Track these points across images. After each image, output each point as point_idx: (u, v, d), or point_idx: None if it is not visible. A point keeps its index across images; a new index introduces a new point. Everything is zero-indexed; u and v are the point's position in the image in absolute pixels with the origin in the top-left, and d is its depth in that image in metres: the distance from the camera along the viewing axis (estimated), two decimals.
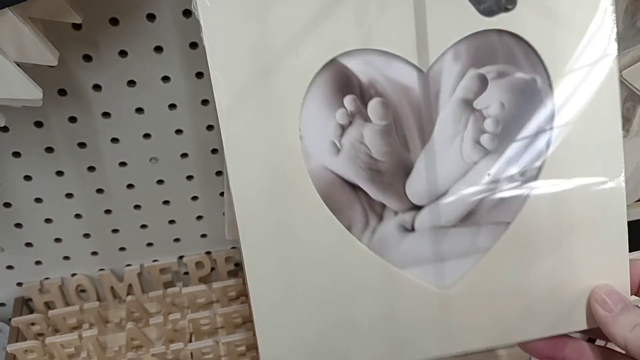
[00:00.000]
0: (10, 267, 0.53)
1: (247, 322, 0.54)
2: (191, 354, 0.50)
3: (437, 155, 0.31)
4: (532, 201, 0.31)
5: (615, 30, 0.30)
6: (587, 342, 0.34)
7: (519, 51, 0.30)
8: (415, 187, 0.31)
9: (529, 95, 0.31)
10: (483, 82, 0.31)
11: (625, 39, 0.34)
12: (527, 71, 0.30)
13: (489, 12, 0.21)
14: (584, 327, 0.33)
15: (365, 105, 0.30)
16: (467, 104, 0.31)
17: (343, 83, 0.30)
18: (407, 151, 0.31)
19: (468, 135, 0.31)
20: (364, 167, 0.31)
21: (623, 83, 0.35)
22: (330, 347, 0.32)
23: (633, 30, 0.34)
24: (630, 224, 0.48)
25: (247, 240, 0.30)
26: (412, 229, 0.32)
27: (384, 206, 0.31)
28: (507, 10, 0.20)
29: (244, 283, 0.56)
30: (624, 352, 0.31)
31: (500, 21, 0.29)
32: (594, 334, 0.34)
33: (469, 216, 0.32)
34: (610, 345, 0.33)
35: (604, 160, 0.32)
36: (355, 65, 0.30)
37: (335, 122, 0.30)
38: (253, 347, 0.51)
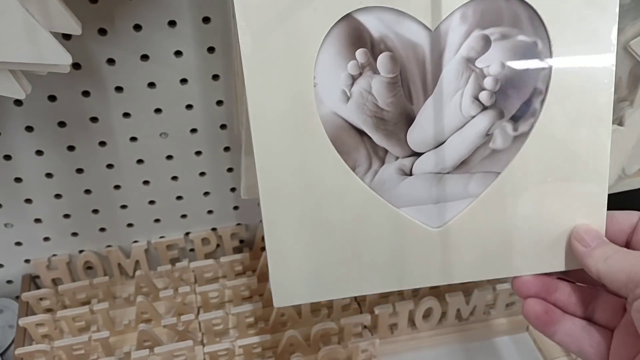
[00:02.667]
0: (18, 244, 0.54)
1: (255, 295, 0.55)
2: (200, 324, 0.52)
3: (438, 108, 0.34)
4: (521, 155, 0.34)
5: (618, 2, 0.32)
6: (576, 284, 0.36)
7: (523, 15, 0.32)
8: (416, 136, 0.34)
9: (529, 57, 0.33)
10: (486, 42, 0.33)
11: (633, 10, 0.35)
12: (530, 34, 0.33)
13: None
14: (563, 268, 0.36)
15: (375, 58, 0.33)
16: (470, 62, 0.33)
17: (356, 37, 0.32)
18: (411, 102, 0.33)
19: (468, 91, 0.33)
20: (370, 114, 0.33)
21: (629, 53, 0.37)
22: (333, 274, 0.35)
23: None
24: (630, 193, 0.50)
25: (263, 177, 0.33)
26: (410, 173, 0.35)
27: (386, 151, 0.34)
28: None
29: (251, 258, 0.58)
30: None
31: None
32: (584, 280, 0.36)
33: (463, 165, 0.35)
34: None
35: (593, 121, 0.34)
36: (368, 20, 0.32)
37: (347, 72, 0.33)
38: (261, 318, 0.53)
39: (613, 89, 0.34)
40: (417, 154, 0.34)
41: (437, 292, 0.54)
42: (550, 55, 0.33)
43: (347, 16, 0.32)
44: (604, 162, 0.35)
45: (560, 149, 0.34)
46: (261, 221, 0.57)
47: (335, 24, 0.32)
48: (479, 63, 0.33)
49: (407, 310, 0.52)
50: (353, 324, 0.50)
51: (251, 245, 0.60)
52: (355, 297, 0.54)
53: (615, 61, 0.34)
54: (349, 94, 0.33)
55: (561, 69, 0.33)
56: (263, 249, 0.58)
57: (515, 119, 0.34)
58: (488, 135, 0.34)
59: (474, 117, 0.34)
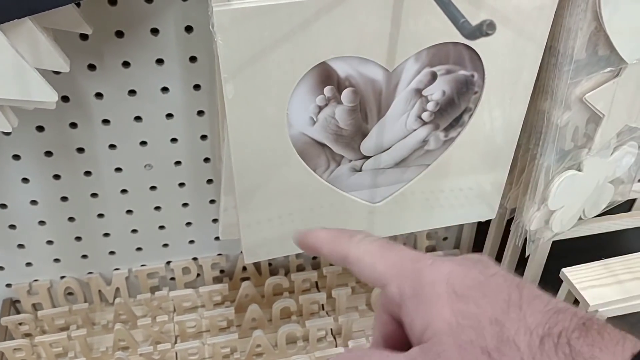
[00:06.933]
0: (0, 268, 0.54)
1: (232, 325, 0.56)
2: (176, 354, 0.52)
3: (387, 125, 0.41)
4: (448, 152, 0.43)
5: (541, 51, 0.39)
6: None
7: (466, 55, 0.38)
8: (368, 145, 0.41)
9: (466, 86, 0.40)
10: (433, 76, 0.39)
11: (588, 66, 0.38)
12: (469, 69, 0.39)
13: (472, 37, 0.25)
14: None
15: (340, 92, 0.38)
16: (418, 91, 0.39)
17: (325, 77, 0.37)
18: (366, 122, 0.40)
19: (413, 112, 0.40)
20: (331, 133, 0.40)
21: (585, 104, 0.39)
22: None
23: (595, 58, 0.38)
24: (590, 237, 0.52)
25: (240, 180, 0.40)
26: (360, 170, 0.43)
27: (342, 157, 0.41)
28: (487, 35, 0.24)
29: (230, 289, 0.59)
30: None
31: (458, 35, 0.36)
32: None
33: (402, 161, 0.43)
34: None
35: (507, 131, 0.43)
36: (337, 64, 0.37)
37: (315, 104, 0.38)
38: (237, 349, 0.53)
39: (525, 109, 0.42)
40: (367, 157, 0.42)
41: None
42: (483, 83, 0.40)
43: (320, 63, 0.36)
44: (507, 160, 0.45)
45: (477, 149, 0.44)
46: (242, 252, 0.59)
47: (310, 69, 0.36)
48: (425, 92, 0.39)
49: None
50: (326, 357, 0.51)
51: (231, 275, 0.61)
52: (332, 332, 0.55)
53: (573, 112, 0.40)
54: (315, 120, 0.39)
55: (490, 92, 0.41)
56: (243, 279, 0.59)
57: (447, 129, 0.42)
58: (424, 142, 0.42)
59: (415, 130, 0.41)
